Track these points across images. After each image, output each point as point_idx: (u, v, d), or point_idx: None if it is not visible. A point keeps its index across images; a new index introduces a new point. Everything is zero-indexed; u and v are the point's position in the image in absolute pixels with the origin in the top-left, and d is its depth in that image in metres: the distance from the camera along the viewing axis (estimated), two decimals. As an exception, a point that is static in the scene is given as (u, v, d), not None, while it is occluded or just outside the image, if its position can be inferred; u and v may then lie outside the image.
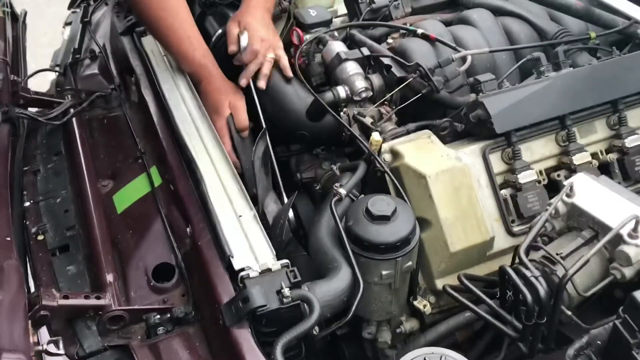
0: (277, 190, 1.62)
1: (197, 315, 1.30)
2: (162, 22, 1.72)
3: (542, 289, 1.12)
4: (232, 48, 1.73)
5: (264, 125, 1.62)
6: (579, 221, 1.26)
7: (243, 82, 1.69)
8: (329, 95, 1.60)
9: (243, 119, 1.68)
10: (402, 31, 1.78)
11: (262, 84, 1.67)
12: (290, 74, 1.68)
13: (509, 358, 1.39)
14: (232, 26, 1.76)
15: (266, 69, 1.68)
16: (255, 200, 1.48)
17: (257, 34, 1.71)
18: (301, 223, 1.65)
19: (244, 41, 1.70)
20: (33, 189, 1.69)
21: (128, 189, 1.64)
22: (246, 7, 1.80)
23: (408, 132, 1.52)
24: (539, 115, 1.47)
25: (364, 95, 1.61)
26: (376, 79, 1.63)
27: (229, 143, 1.66)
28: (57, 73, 2.32)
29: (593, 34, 1.74)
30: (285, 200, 1.57)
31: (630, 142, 1.50)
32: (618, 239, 1.18)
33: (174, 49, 1.75)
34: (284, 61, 1.70)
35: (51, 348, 1.14)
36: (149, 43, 1.97)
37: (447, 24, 1.84)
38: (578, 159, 1.47)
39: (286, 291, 1.15)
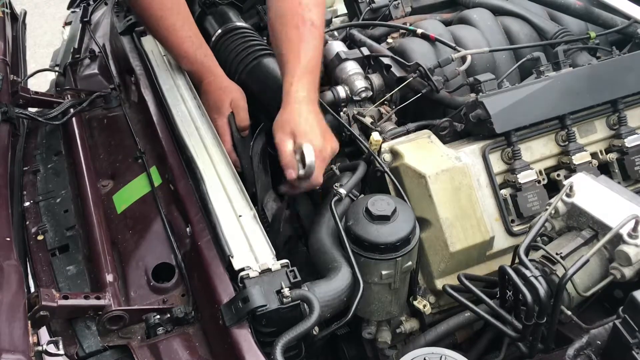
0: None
1: (197, 315, 1.30)
2: (162, 21, 1.71)
3: (542, 288, 1.12)
4: (291, 174, 1.42)
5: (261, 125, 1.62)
6: (578, 221, 1.26)
7: (284, 190, 1.54)
8: (328, 95, 1.60)
9: (244, 118, 1.68)
10: (402, 31, 1.78)
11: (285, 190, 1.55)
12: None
13: (509, 358, 1.39)
14: (283, 136, 1.44)
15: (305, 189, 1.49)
16: (254, 199, 1.48)
17: (320, 153, 1.42)
18: (301, 223, 1.66)
19: (308, 157, 1.38)
20: (33, 189, 1.69)
21: (128, 188, 1.64)
22: (296, 94, 1.47)
23: (408, 132, 1.52)
24: (539, 115, 1.47)
25: (363, 95, 1.61)
26: (376, 79, 1.63)
27: (229, 142, 1.66)
28: (56, 73, 2.32)
29: (593, 34, 1.74)
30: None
31: (630, 141, 1.50)
32: (618, 239, 1.18)
33: (175, 48, 1.75)
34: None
35: (51, 348, 1.14)
36: (148, 43, 1.97)
37: (447, 23, 1.85)
38: (578, 158, 1.47)
39: (286, 291, 1.15)
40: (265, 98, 1.70)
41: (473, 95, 1.55)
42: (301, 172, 1.40)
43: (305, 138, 1.42)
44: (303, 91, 1.49)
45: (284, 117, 1.47)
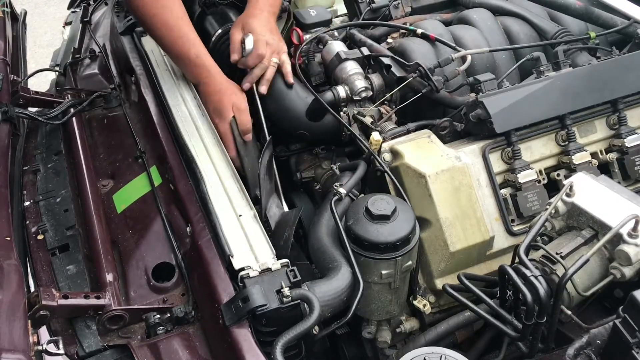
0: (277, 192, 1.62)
1: (197, 315, 1.30)
2: (156, 19, 1.69)
3: (542, 288, 1.12)
4: (234, 56, 1.71)
5: (267, 137, 1.61)
6: (578, 220, 1.26)
7: (246, 85, 1.69)
8: (328, 95, 1.60)
9: (246, 120, 1.66)
10: (402, 31, 1.78)
11: (263, 89, 1.67)
12: (291, 80, 1.68)
13: (509, 358, 1.39)
14: (236, 31, 1.73)
15: (269, 74, 1.67)
16: (256, 202, 1.48)
17: (262, 37, 1.68)
18: (301, 223, 1.65)
19: (248, 45, 1.66)
20: (33, 188, 1.69)
21: (128, 188, 1.64)
22: (251, 10, 1.77)
23: (408, 132, 1.52)
24: (539, 115, 1.47)
25: (363, 94, 1.61)
26: (376, 79, 1.63)
27: (233, 149, 1.63)
28: (57, 73, 2.32)
29: (593, 34, 1.74)
30: (285, 206, 1.56)
31: (629, 141, 1.51)
32: (618, 239, 1.18)
33: (168, 47, 1.73)
34: (287, 67, 1.69)
35: (51, 348, 1.14)
36: (149, 43, 1.97)
37: (447, 23, 1.85)
38: (578, 158, 1.47)
39: (286, 291, 1.15)
40: (265, 97, 1.70)
41: (473, 95, 1.55)
42: (243, 55, 1.68)
43: (254, 32, 1.68)
44: (265, 4, 1.76)
45: (242, 16, 1.77)
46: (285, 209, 1.57)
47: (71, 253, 1.48)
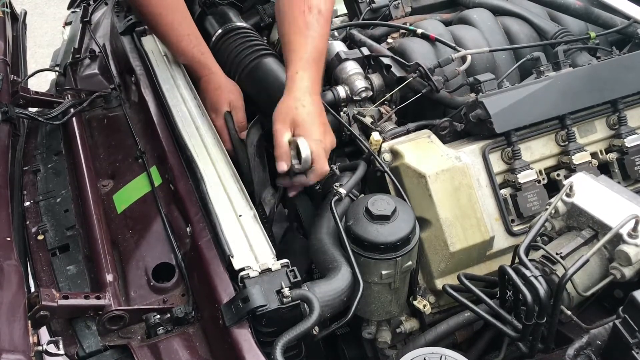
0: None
1: (197, 315, 1.30)
2: (160, 19, 1.72)
3: (541, 288, 1.12)
4: (283, 166, 1.39)
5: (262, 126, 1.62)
6: (578, 221, 1.26)
7: (292, 194, 1.51)
8: (329, 95, 1.60)
9: (242, 118, 1.69)
10: (402, 31, 1.78)
11: (293, 194, 1.52)
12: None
13: (509, 358, 1.39)
14: (281, 127, 1.41)
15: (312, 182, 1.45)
16: (253, 197, 1.48)
17: (320, 145, 1.39)
18: (301, 223, 1.66)
19: (304, 151, 1.36)
20: (33, 188, 1.69)
21: (128, 188, 1.64)
22: (299, 81, 1.45)
23: (408, 132, 1.52)
24: (539, 115, 1.47)
25: (363, 95, 1.61)
26: (376, 79, 1.63)
27: (229, 141, 1.67)
28: (57, 73, 2.32)
29: (593, 34, 1.74)
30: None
31: (629, 141, 1.51)
32: (618, 239, 1.18)
33: (172, 45, 1.77)
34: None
35: (51, 348, 1.14)
36: (149, 43, 1.97)
37: (447, 23, 1.85)
38: (578, 158, 1.47)
39: (286, 291, 1.15)
40: (265, 98, 1.70)
41: (473, 95, 1.55)
42: (297, 165, 1.39)
43: (304, 131, 1.40)
44: (307, 80, 1.47)
45: (286, 106, 1.45)
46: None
47: (71, 253, 1.48)
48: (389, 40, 1.78)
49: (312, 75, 1.49)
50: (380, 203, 1.28)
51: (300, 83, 1.47)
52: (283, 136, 1.41)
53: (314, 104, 1.46)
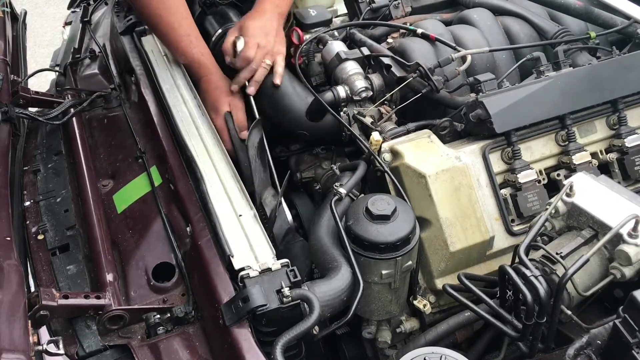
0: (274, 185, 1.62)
1: (197, 315, 1.30)
2: (161, 19, 1.73)
3: (542, 288, 1.12)
4: (226, 58, 1.72)
5: (257, 116, 1.63)
6: (578, 220, 1.26)
7: (233, 87, 1.70)
8: (328, 95, 1.60)
9: (242, 118, 1.69)
10: (402, 31, 1.78)
11: (251, 90, 1.67)
12: (277, 81, 1.66)
13: (509, 358, 1.39)
14: (231, 32, 1.74)
15: (258, 76, 1.67)
16: (254, 197, 1.48)
17: (253, 40, 1.68)
18: (301, 223, 1.66)
19: (239, 47, 1.68)
20: (33, 188, 1.69)
21: (128, 188, 1.64)
22: (252, 11, 1.76)
23: (408, 132, 1.52)
24: (539, 115, 1.47)
25: (363, 95, 1.61)
26: (376, 79, 1.63)
27: (229, 142, 1.67)
28: (57, 73, 2.32)
29: (593, 34, 1.74)
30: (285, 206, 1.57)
31: (630, 141, 1.51)
32: (618, 239, 1.18)
33: (173, 46, 1.77)
34: (279, 68, 1.68)
35: (51, 348, 1.14)
36: (149, 43, 1.97)
37: (447, 23, 1.85)
38: (578, 158, 1.47)
39: (286, 291, 1.15)
40: (265, 97, 1.70)
41: (473, 95, 1.55)
42: (234, 60, 1.69)
43: (246, 34, 1.69)
44: (270, 5, 1.74)
45: (242, 19, 1.76)
46: (285, 207, 1.57)
47: (71, 253, 1.48)
48: (389, 40, 1.78)
49: (274, 2, 1.75)
50: (380, 203, 1.28)
51: (264, 4, 1.75)
52: (229, 37, 1.72)
53: (267, 20, 1.72)
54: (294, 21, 1.87)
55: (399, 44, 1.72)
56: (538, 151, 1.50)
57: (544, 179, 1.49)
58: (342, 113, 1.60)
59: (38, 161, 1.79)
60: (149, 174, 1.63)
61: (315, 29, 1.81)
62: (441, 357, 1.09)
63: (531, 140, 1.50)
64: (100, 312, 1.27)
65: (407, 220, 1.28)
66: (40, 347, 1.11)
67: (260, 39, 1.69)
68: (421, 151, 1.42)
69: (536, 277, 1.14)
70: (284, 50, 1.73)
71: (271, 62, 1.68)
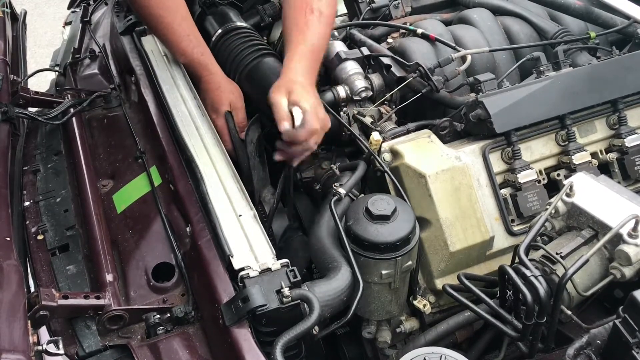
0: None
1: (197, 315, 1.30)
2: (161, 20, 1.73)
3: (542, 288, 1.12)
4: (285, 125, 1.44)
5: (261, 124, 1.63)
6: (578, 220, 1.26)
7: (278, 158, 1.54)
8: (329, 95, 1.60)
9: (242, 118, 1.70)
10: (402, 31, 1.78)
11: (295, 164, 1.55)
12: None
13: (509, 358, 1.39)
14: (279, 96, 1.48)
15: (307, 155, 1.54)
16: (253, 196, 1.48)
17: (314, 110, 1.45)
18: (301, 223, 1.66)
19: (298, 119, 1.43)
20: (33, 188, 1.69)
21: (128, 188, 1.64)
22: (295, 68, 1.53)
23: (408, 132, 1.52)
24: (539, 115, 1.47)
25: (363, 94, 1.61)
26: (376, 79, 1.63)
27: (229, 142, 1.67)
28: (57, 73, 2.32)
29: (593, 34, 1.74)
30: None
31: (630, 141, 1.51)
32: (618, 239, 1.18)
33: (173, 46, 1.77)
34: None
35: (51, 348, 1.14)
36: (149, 43, 1.97)
37: (447, 23, 1.85)
38: (578, 158, 1.47)
39: (286, 291, 1.15)
40: (265, 97, 1.70)
41: (473, 95, 1.55)
42: (295, 124, 1.44)
43: (298, 96, 1.45)
44: (302, 69, 1.53)
45: (281, 81, 1.51)
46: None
47: (71, 253, 1.48)
48: (389, 40, 1.78)
49: (307, 65, 1.54)
50: (380, 203, 1.28)
51: (295, 70, 1.53)
52: (281, 101, 1.46)
53: (307, 85, 1.51)
54: (294, 21, 1.86)
55: (399, 44, 1.72)
56: (538, 151, 1.50)
57: (544, 179, 1.49)
58: (342, 113, 1.60)
59: (38, 161, 1.79)
60: (148, 174, 1.63)
61: (315, 29, 1.80)
62: (441, 357, 1.09)
63: (531, 140, 1.50)
64: (100, 312, 1.27)
65: (407, 220, 1.28)
66: (40, 347, 1.11)
67: (319, 111, 1.48)
68: (421, 151, 1.42)
69: (536, 277, 1.14)
70: (329, 122, 1.53)
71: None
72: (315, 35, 1.60)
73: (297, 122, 1.42)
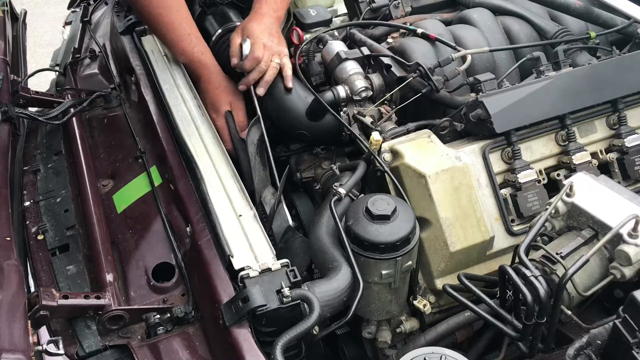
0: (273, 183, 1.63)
1: (197, 315, 1.30)
2: (161, 19, 1.73)
3: (542, 288, 1.12)
4: (233, 60, 1.69)
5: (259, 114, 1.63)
6: (578, 221, 1.26)
7: (241, 87, 1.69)
8: (329, 95, 1.60)
9: (242, 118, 1.70)
10: (402, 31, 1.78)
11: (261, 90, 1.65)
12: (290, 85, 1.65)
13: (509, 358, 1.39)
14: (236, 35, 1.72)
15: (269, 76, 1.65)
16: (254, 197, 1.48)
17: (259, 40, 1.66)
18: (301, 223, 1.66)
19: (246, 49, 1.66)
20: (33, 188, 1.69)
21: (128, 188, 1.64)
22: (252, 15, 1.76)
23: (408, 132, 1.52)
24: (539, 115, 1.47)
25: (363, 94, 1.61)
26: (376, 79, 1.63)
27: (229, 141, 1.67)
28: (57, 72, 2.32)
29: (593, 34, 1.74)
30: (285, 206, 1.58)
31: (630, 141, 1.50)
32: (618, 239, 1.18)
33: (173, 45, 1.78)
34: (287, 70, 1.66)
35: (51, 348, 1.14)
36: (149, 43, 1.97)
37: (447, 23, 1.84)
38: (578, 158, 1.47)
39: (286, 291, 1.15)
40: (265, 97, 1.70)
41: (473, 95, 1.55)
42: (242, 61, 1.66)
43: (251, 35, 1.68)
44: (266, 7, 1.75)
45: (245, 21, 1.76)
46: (284, 208, 1.57)
47: (71, 253, 1.48)
48: (389, 40, 1.78)
49: (273, 6, 1.76)
50: (380, 203, 1.28)
51: (260, 10, 1.75)
52: (235, 39, 1.71)
53: (266, 23, 1.72)
54: (294, 21, 1.87)
55: (399, 43, 1.72)
56: (538, 151, 1.50)
57: (544, 179, 1.49)
58: (342, 113, 1.60)
59: (38, 161, 1.79)
60: (149, 174, 1.63)
61: (315, 29, 1.81)
62: (441, 357, 1.09)
63: (531, 140, 1.50)
64: (100, 312, 1.27)
65: (407, 220, 1.28)
66: (40, 347, 1.11)
67: (266, 40, 1.68)
68: (421, 151, 1.42)
69: (536, 277, 1.14)
70: (286, 50, 1.73)
71: (279, 62, 1.67)
72: None
73: (244, 53, 1.66)
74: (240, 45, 1.69)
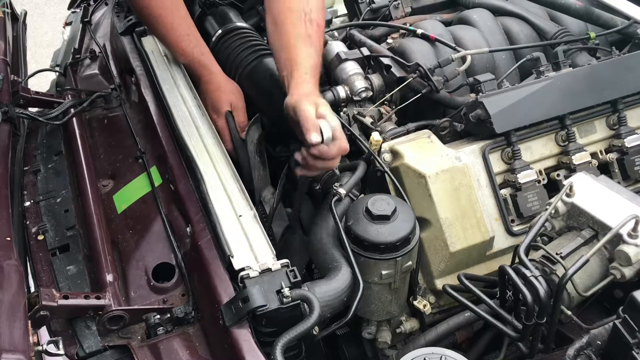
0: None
1: (197, 315, 1.30)
2: (161, 19, 1.73)
3: (542, 288, 1.12)
4: (315, 138, 1.33)
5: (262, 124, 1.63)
6: (578, 221, 1.26)
7: (301, 173, 1.47)
8: (328, 95, 1.60)
9: (242, 118, 1.70)
10: (402, 31, 1.78)
11: (303, 173, 1.47)
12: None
13: (509, 358, 1.39)
14: (310, 106, 1.39)
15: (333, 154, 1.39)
16: (254, 196, 1.48)
17: (340, 126, 1.39)
18: (301, 223, 1.66)
19: (326, 131, 1.34)
20: (33, 188, 1.69)
21: (128, 188, 1.64)
22: (312, 83, 1.48)
23: (408, 132, 1.52)
24: (539, 115, 1.47)
25: (363, 95, 1.61)
26: (376, 79, 1.63)
27: (230, 142, 1.67)
28: (57, 73, 2.32)
29: (593, 34, 1.74)
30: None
31: (629, 141, 1.51)
32: (618, 239, 1.18)
33: (172, 46, 1.78)
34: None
35: (51, 348, 1.14)
36: (149, 43, 1.97)
37: (447, 24, 1.85)
38: (578, 158, 1.47)
39: (286, 291, 1.15)
40: (265, 98, 1.70)
41: (473, 95, 1.55)
42: (324, 138, 1.34)
43: (327, 112, 1.37)
44: (314, 87, 1.47)
45: (303, 91, 1.43)
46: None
47: (71, 253, 1.48)
48: (389, 40, 1.78)
49: (316, 83, 1.49)
50: (380, 203, 1.28)
51: (314, 86, 1.47)
52: (312, 111, 1.36)
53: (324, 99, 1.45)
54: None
55: (399, 44, 1.72)
56: (538, 151, 1.50)
57: (543, 179, 1.49)
58: (342, 113, 1.60)
59: (38, 161, 1.79)
60: (149, 174, 1.63)
61: (315, 29, 1.80)
62: (441, 357, 1.09)
63: (531, 141, 1.50)
64: (100, 312, 1.27)
65: (407, 220, 1.28)
66: (40, 348, 1.11)
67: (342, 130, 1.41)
68: (421, 151, 1.43)
69: (536, 278, 1.14)
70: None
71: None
72: (317, 51, 1.52)
73: (326, 136, 1.33)
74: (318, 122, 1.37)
